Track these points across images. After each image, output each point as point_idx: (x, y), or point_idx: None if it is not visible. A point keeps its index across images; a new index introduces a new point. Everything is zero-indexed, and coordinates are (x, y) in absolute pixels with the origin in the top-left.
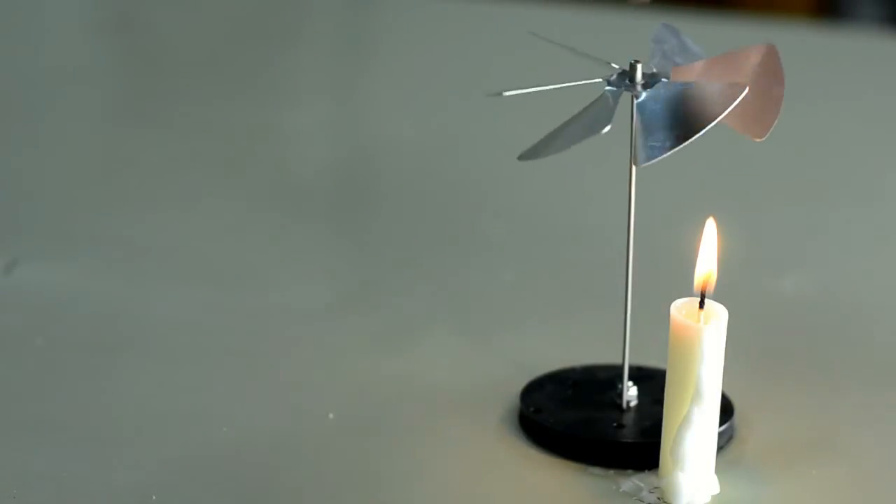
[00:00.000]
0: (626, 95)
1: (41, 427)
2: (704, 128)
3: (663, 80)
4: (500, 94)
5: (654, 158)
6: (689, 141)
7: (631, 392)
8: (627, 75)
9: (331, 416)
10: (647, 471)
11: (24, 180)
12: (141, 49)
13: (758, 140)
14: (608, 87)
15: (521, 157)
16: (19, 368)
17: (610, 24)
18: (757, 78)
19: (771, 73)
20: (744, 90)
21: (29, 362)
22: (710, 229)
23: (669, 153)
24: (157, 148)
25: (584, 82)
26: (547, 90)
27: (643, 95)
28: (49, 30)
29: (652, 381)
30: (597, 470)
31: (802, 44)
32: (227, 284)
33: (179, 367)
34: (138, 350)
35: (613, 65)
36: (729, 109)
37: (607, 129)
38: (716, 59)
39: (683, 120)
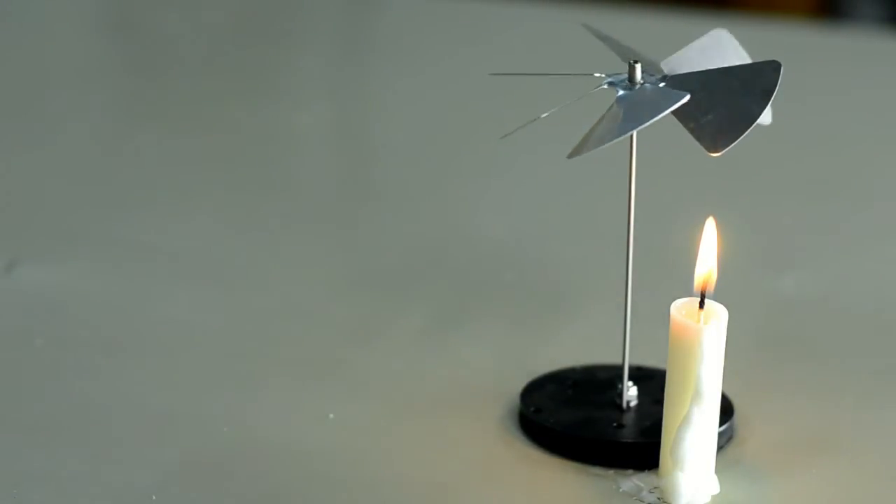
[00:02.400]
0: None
1: (41, 427)
2: (624, 133)
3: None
4: (494, 74)
5: (578, 154)
6: (612, 142)
7: (631, 392)
8: (628, 76)
9: (331, 416)
10: (647, 471)
11: (25, 180)
12: (141, 49)
13: (712, 155)
14: (607, 84)
15: (569, 156)
16: (19, 368)
17: (611, 24)
18: (741, 91)
19: (759, 90)
20: (683, 98)
21: (29, 362)
22: (710, 229)
23: (590, 151)
24: (158, 148)
25: (576, 73)
26: (539, 77)
27: (619, 93)
28: (49, 30)
29: (652, 381)
30: (597, 470)
31: (802, 44)
32: (227, 284)
33: (179, 367)
34: (138, 350)
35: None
36: (656, 118)
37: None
38: (722, 70)
39: (622, 120)
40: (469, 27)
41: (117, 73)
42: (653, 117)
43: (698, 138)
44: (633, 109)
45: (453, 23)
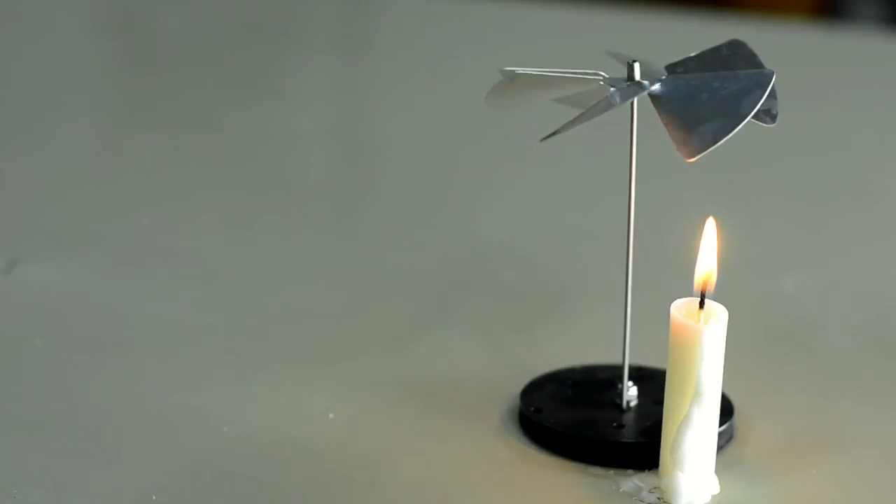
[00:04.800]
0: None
1: (41, 427)
2: (750, 113)
3: (665, 76)
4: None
5: (704, 150)
6: (738, 128)
7: (631, 392)
8: (627, 76)
9: (331, 416)
10: (647, 471)
11: (25, 180)
12: (141, 49)
13: (688, 161)
14: (612, 88)
15: (542, 139)
16: (19, 368)
17: (609, 24)
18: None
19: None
20: (773, 75)
21: (29, 362)
22: (710, 229)
23: (721, 143)
24: (157, 148)
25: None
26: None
27: (657, 87)
28: (49, 30)
29: (652, 381)
30: (597, 470)
31: (802, 44)
32: (227, 284)
33: (179, 367)
34: (138, 350)
35: (601, 73)
36: (767, 92)
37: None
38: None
39: (721, 108)
40: (469, 27)
41: (117, 73)
42: (758, 98)
43: (673, 137)
44: (730, 99)
45: (453, 23)
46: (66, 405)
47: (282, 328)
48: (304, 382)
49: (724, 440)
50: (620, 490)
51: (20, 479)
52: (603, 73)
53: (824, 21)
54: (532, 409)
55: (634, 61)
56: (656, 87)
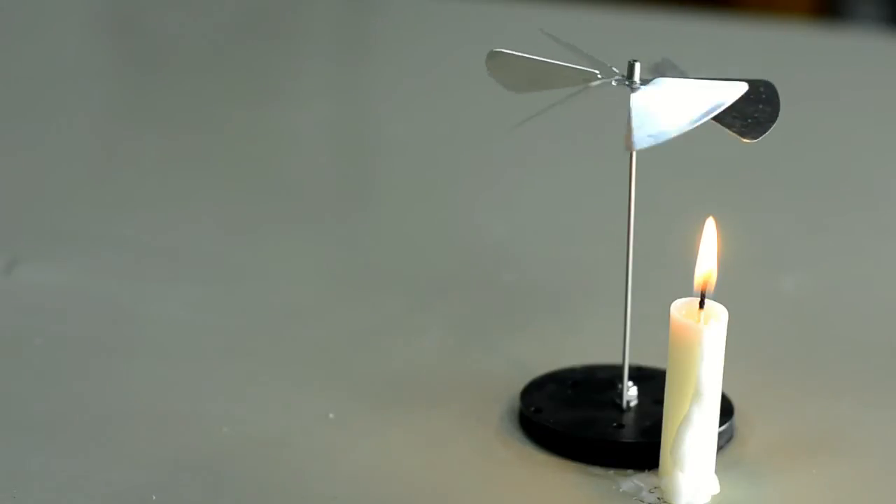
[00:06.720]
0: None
1: (41, 427)
2: (699, 119)
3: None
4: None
5: (645, 145)
6: (683, 131)
7: (631, 392)
8: (626, 75)
9: (331, 416)
10: (647, 471)
11: (24, 180)
12: (141, 49)
13: (746, 142)
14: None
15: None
16: (19, 368)
17: (609, 24)
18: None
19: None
20: (744, 88)
21: (29, 362)
22: (710, 229)
23: (661, 142)
24: (158, 148)
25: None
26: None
27: (640, 88)
28: (49, 30)
29: (652, 381)
30: (597, 470)
31: (802, 44)
32: (227, 284)
33: (179, 367)
34: (138, 350)
35: (615, 69)
36: (727, 104)
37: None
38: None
39: (678, 111)
40: (469, 27)
41: (117, 73)
42: (715, 108)
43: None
44: (686, 101)
45: (453, 23)
46: (66, 405)
47: (282, 328)
48: (304, 382)
49: (724, 440)
50: (620, 490)
51: (20, 479)
52: (597, 71)
53: (824, 21)
54: (532, 409)
55: (635, 61)
56: (642, 87)
